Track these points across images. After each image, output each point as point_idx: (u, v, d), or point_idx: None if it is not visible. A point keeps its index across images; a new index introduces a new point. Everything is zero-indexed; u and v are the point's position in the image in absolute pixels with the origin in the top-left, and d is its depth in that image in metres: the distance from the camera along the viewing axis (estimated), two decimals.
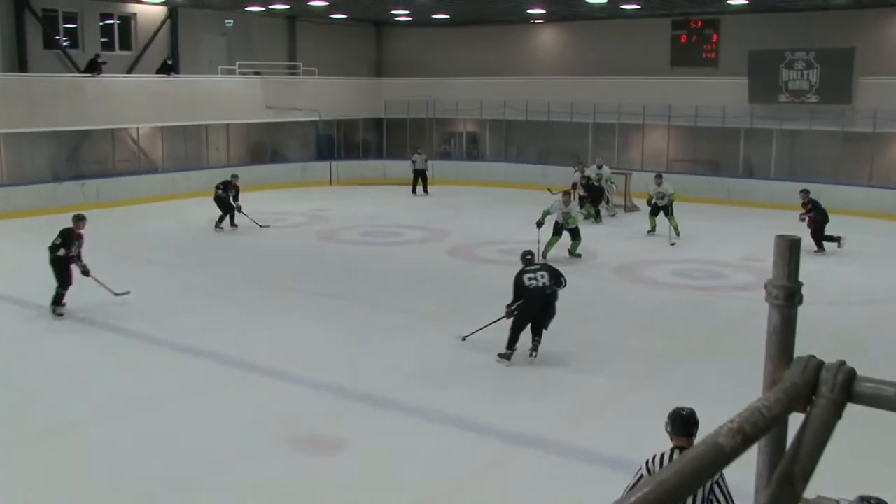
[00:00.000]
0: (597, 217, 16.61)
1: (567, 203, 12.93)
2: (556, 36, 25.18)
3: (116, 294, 9.72)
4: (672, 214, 14.69)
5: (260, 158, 23.51)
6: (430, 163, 21.64)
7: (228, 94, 21.67)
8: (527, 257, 8.34)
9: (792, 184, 19.54)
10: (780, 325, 1.42)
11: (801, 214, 13.77)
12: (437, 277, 11.80)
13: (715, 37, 21.83)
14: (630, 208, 18.50)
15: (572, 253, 12.94)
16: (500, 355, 7.92)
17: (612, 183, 17.71)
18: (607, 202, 17.53)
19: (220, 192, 15.68)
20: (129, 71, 20.98)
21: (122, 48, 21.37)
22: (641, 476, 3.70)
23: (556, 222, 12.85)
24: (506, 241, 14.50)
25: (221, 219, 15.57)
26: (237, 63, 22.26)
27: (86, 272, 9.39)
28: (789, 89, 19.64)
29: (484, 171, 24.03)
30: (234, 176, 16.30)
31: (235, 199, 15.62)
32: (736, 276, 11.99)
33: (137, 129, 20.27)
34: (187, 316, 9.57)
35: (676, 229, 14.60)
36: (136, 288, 10.45)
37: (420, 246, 14.33)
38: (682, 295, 10.98)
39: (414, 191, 21.22)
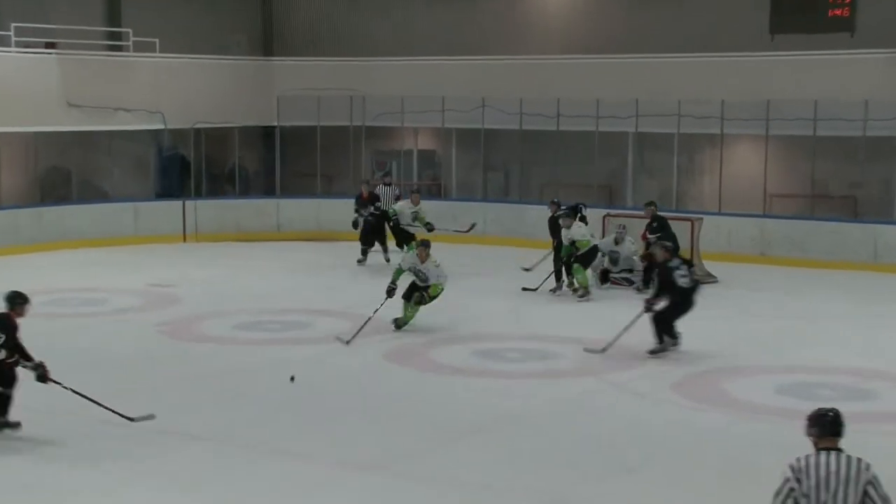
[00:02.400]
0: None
1: (423, 258, 14.90)
2: None
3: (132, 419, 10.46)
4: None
5: (58, 195, 23.40)
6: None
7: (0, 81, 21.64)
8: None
9: None
10: None
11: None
12: (373, 402, 11.76)
13: None
14: (702, 277, 18.50)
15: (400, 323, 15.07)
16: None
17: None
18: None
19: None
20: None
21: None
22: (787, 480, 5.82)
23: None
24: (483, 337, 14.72)
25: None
26: (13, 26, 22.17)
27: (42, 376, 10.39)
28: None
29: (447, 215, 23.78)
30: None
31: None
32: (893, 396, 12.06)
33: None
34: None
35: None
36: None
37: (340, 347, 14.22)
38: (791, 430, 10.77)
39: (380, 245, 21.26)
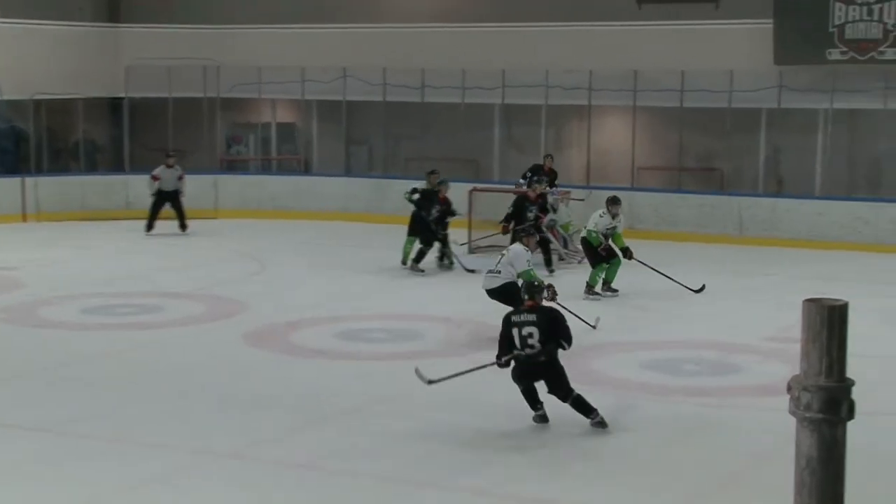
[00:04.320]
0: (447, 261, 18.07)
1: (533, 246, 13.83)
2: None
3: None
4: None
5: None
6: (185, 179, 21.70)
7: None
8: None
9: (852, 204, 20.71)
10: (817, 453, 1.45)
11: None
12: (230, 386, 11.72)
13: None
14: (570, 252, 18.98)
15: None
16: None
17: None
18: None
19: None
20: None
21: None
22: None
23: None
24: (346, 317, 14.67)
25: (422, 254, 17.46)
26: None
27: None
28: (846, 39, 20.79)
29: (308, 191, 24.22)
30: (441, 182, 18.12)
31: (444, 219, 17.63)
32: (758, 370, 12.37)
33: None
34: None
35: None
36: None
37: (195, 329, 14.24)
38: (663, 405, 11.19)
39: (150, 226, 21.32)
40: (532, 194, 17.72)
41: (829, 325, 1.69)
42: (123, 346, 13.30)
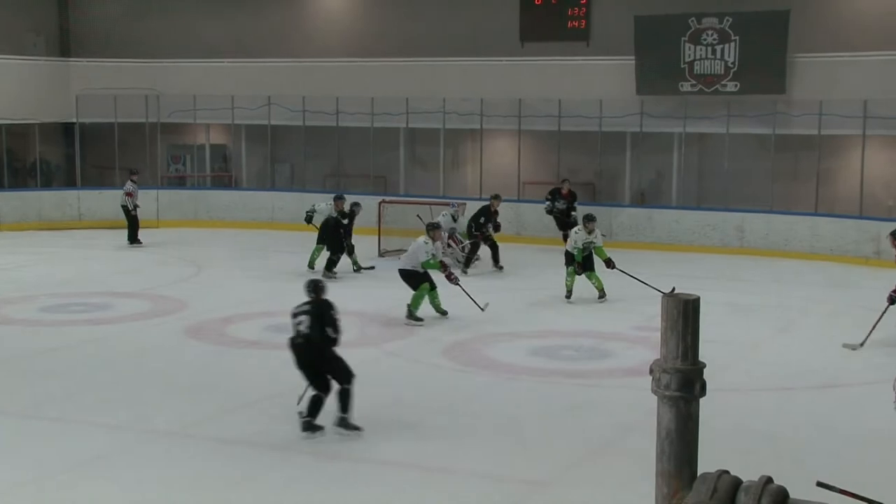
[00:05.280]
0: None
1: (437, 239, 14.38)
2: None
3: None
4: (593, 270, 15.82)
5: None
6: (139, 192, 21.28)
7: None
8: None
9: (702, 213, 21.04)
10: (675, 426, 1.50)
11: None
12: (173, 374, 11.62)
13: None
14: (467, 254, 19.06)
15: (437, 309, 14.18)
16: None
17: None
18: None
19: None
20: None
21: None
22: None
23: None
24: (275, 312, 14.58)
25: (333, 263, 17.21)
26: None
27: None
28: (695, 73, 21.20)
29: (239, 204, 24.07)
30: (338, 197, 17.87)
31: (348, 234, 17.45)
32: (626, 355, 12.53)
33: None
34: None
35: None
36: None
37: (141, 324, 14.11)
38: (544, 386, 11.28)
39: (137, 237, 20.96)
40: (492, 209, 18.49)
41: (684, 316, 1.72)
42: (77, 340, 13.22)
